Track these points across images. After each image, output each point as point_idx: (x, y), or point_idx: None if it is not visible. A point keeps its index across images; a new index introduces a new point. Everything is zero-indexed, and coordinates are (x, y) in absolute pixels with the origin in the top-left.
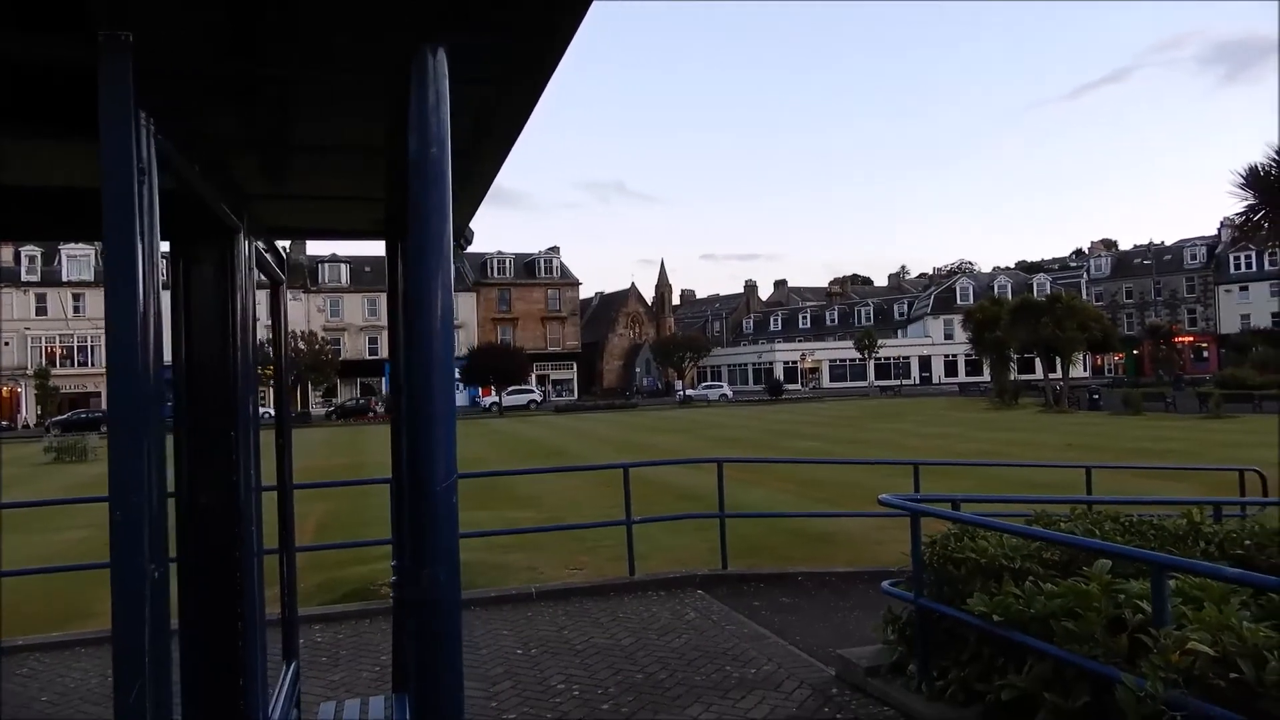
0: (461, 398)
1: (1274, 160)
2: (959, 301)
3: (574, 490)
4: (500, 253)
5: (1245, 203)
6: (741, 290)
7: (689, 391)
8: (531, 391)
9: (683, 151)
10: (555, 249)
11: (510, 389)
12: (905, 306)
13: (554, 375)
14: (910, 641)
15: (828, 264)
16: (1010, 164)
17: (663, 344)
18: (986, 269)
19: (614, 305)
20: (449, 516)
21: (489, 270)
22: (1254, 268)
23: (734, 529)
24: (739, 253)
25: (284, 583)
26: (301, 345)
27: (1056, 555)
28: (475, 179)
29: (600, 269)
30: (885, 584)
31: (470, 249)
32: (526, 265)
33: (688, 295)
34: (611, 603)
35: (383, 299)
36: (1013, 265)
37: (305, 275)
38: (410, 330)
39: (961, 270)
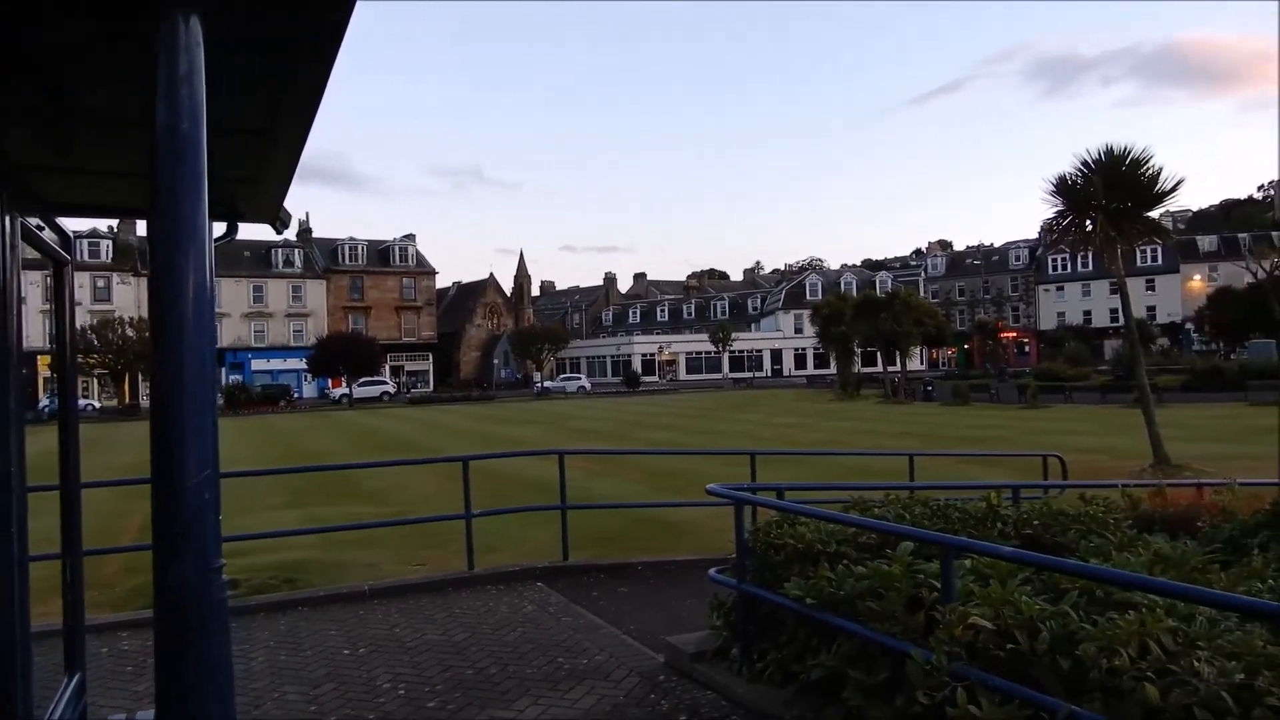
0: (310, 389)
1: (1080, 171)
2: (809, 297)
3: (423, 484)
4: (352, 239)
5: (1056, 209)
6: (601, 283)
7: (547, 383)
8: (384, 383)
9: (543, 140)
10: (411, 236)
11: (362, 380)
12: (759, 301)
13: (409, 366)
14: (734, 626)
15: (686, 258)
16: (858, 166)
17: (521, 335)
18: (835, 266)
19: (472, 295)
20: (203, 515)
21: (340, 257)
22: (1069, 269)
23: (587, 520)
24: (599, 245)
25: (66, 590)
26: (130, 332)
27: (871, 539)
28: (276, 158)
29: (458, 258)
30: (712, 571)
31: (321, 234)
32: (380, 252)
33: (547, 286)
34: (449, 598)
35: (239, 283)
36: (859, 263)
37: (136, 258)
38: (160, 314)
39: (812, 267)
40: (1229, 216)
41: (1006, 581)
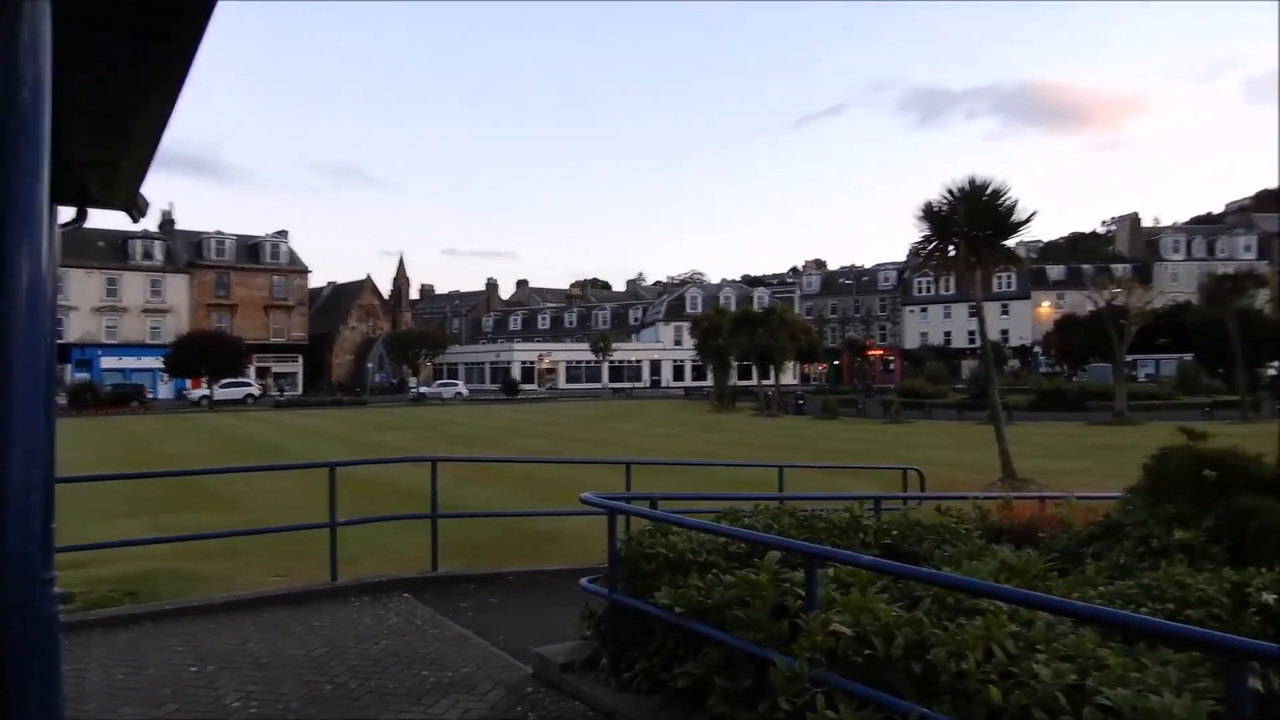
0: (167, 390)
1: (946, 199)
2: (689, 310)
3: (286, 491)
4: (220, 233)
5: (923, 234)
6: (483, 288)
7: (423, 389)
8: (249, 385)
9: (427, 142)
10: (284, 233)
11: (224, 381)
12: (640, 312)
13: (277, 368)
14: (604, 636)
15: (569, 267)
16: (742, 183)
17: (398, 339)
18: (715, 280)
19: (348, 296)
20: (29, 523)
21: (205, 251)
22: (932, 292)
23: (459, 529)
24: (482, 250)
25: None
26: None
27: (740, 548)
28: (133, 143)
29: (335, 258)
30: (584, 581)
31: (185, 227)
32: (250, 248)
33: (427, 290)
34: (309, 611)
35: (90, 275)
36: (738, 278)
37: None
38: None
39: (693, 280)
40: (1075, 248)
41: (866, 589)
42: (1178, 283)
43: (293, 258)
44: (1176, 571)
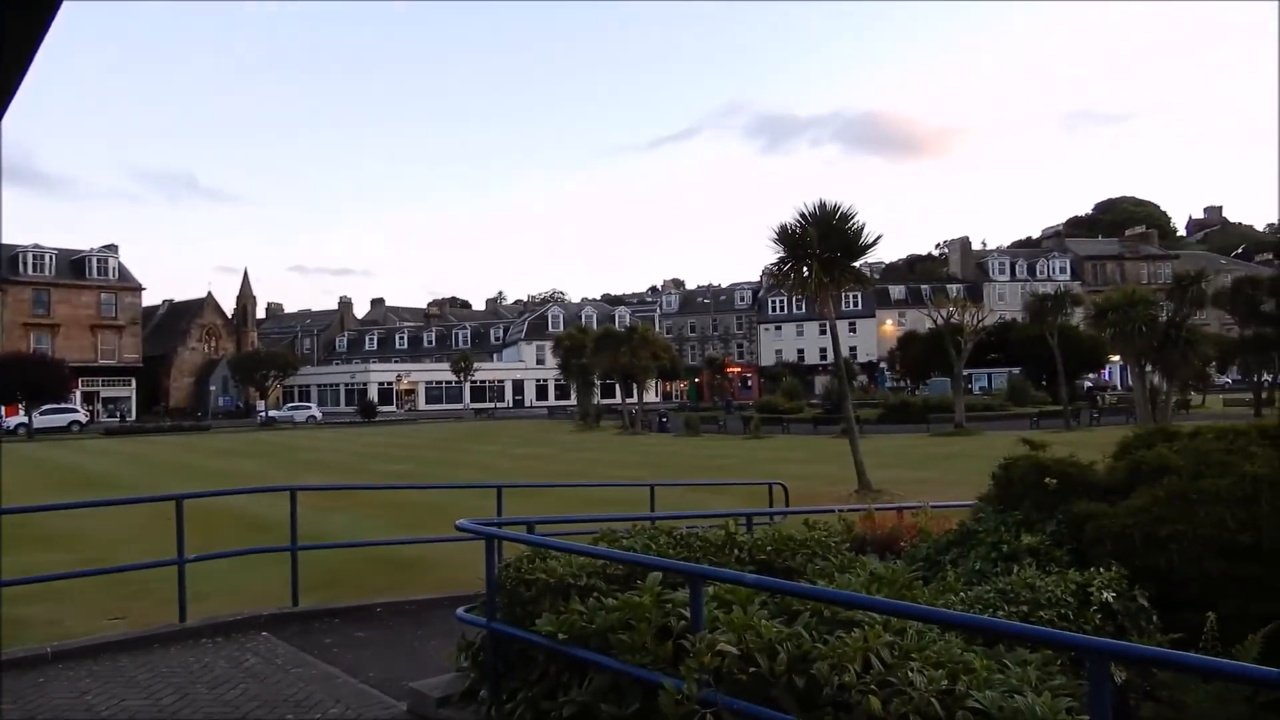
0: None
1: (799, 222)
2: (550, 329)
3: (125, 526)
4: (39, 246)
5: (778, 255)
6: (336, 307)
7: (273, 413)
8: (74, 411)
9: (268, 152)
10: (112, 247)
11: (45, 408)
12: (501, 331)
13: (106, 392)
14: (483, 667)
15: (427, 285)
16: (601, 202)
17: (243, 360)
18: (577, 299)
19: (186, 315)
20: None
21: (21, 266)
22: (786, 310)
23: (320, 561)
24: (333, 267)
25: None
26: None
27: (619, 570)
28: None
29: (170, 274)
30: (460, 610)
31: None
32: (73, 264)
33: (275, 309)
34: (155, 656)
35: None
36: (599, 297)
37: None
38: None
39: (554, 299)
40: (914, 269)
41: (748, 607)
42: (1005, 302)
43: (123, 273)
44: (1027, 575)
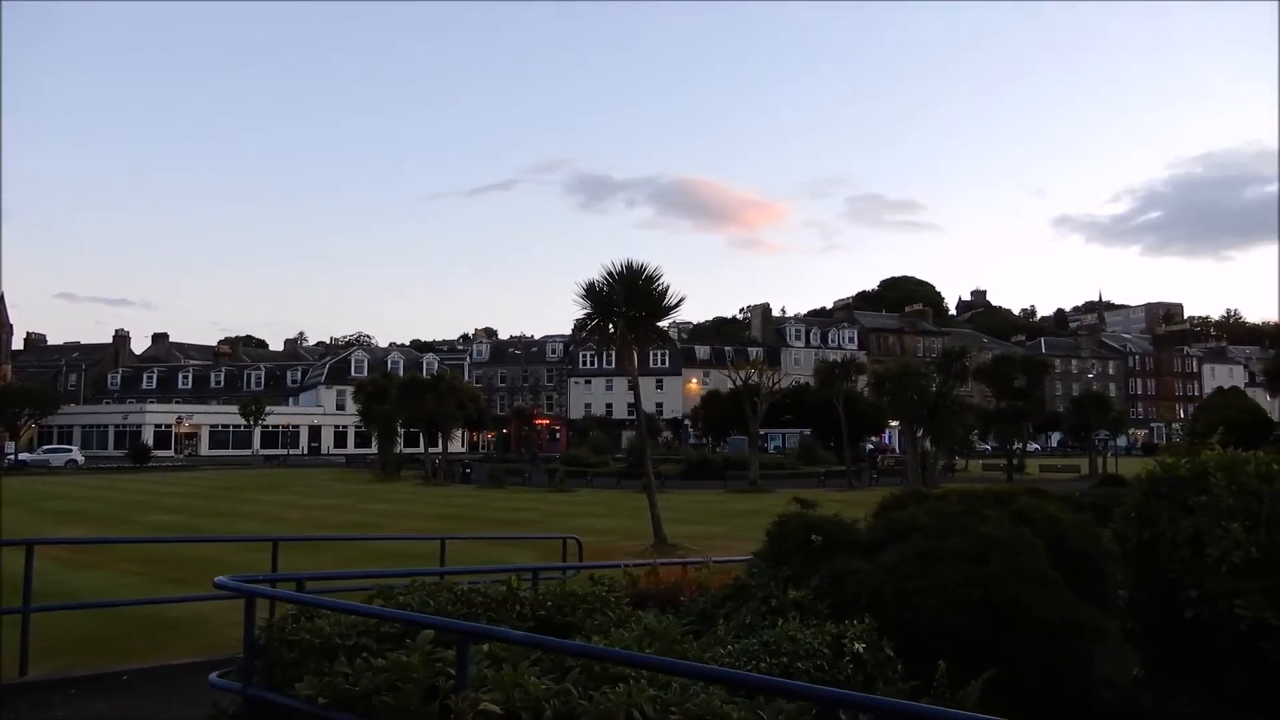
0: None
1: (606, 280)
2: (353, 373)
3: None
4: None
5: (585, 311)
6: (110, 340)
7: (24, 455)
8: None
9: (37, 161)
10: None
11: None
12: (300, 374)
13: None
14: None
15: (218, 322)
16: (412, 247)
17: None
18: (384, 344)
19: None
20: None
21: None
22: (596, 365)
23: (61, 623)
24: (108, 297)
25: None
26: None
27: (394, 629)
28: None
29: None
30: (213, 676)
31: None
32: None
33: (36, 340)
34: None
35: None
36: (408, 343)
37: None
38: None
39: (359, 343)
40: (719, 331)
41: (519, 664)
42: (799, 366)
43: None
44: (790, 628)
